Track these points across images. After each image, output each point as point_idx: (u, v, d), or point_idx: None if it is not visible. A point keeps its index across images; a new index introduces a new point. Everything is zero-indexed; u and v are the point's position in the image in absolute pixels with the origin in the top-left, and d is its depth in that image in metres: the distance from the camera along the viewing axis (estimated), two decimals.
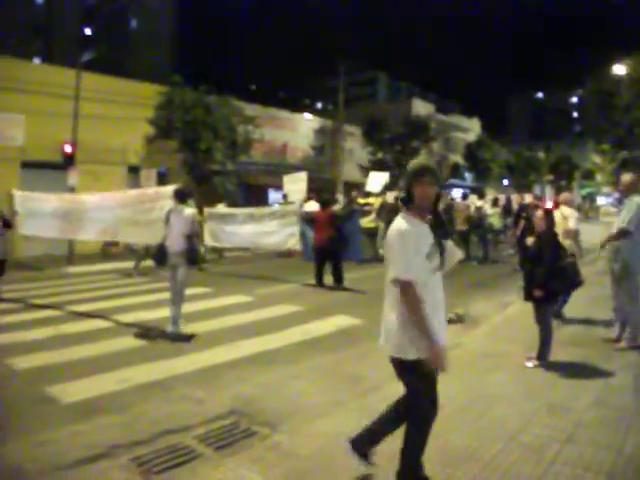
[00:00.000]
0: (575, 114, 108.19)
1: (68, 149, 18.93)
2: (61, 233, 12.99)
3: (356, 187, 27.23)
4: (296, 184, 20.35)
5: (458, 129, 52.86)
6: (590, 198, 64.19)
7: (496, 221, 19.42)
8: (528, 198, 27.36)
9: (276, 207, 17.89)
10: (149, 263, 12.53)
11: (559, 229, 8.52)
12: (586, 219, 32.69)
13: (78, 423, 4.98)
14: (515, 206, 22.14)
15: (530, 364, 6.37)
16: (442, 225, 3.60)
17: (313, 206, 16.62)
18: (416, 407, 3.57)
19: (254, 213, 15.85)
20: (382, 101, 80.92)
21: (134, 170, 22.31)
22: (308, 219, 13.67)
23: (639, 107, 23.27)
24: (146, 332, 8.49)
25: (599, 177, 66.20)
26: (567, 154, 69.31)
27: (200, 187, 21.81)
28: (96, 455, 4.32)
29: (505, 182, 53.09)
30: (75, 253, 18.26)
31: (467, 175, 49.89)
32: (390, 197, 20.11)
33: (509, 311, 9.49)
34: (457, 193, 21.69)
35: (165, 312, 8.77)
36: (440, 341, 3.39)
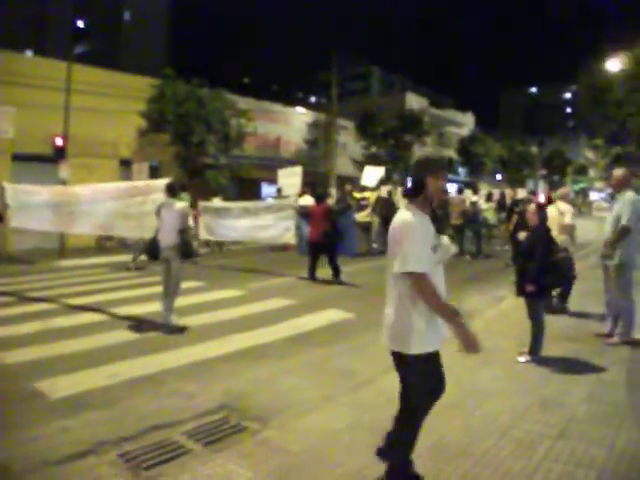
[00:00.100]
0: (569, 109, 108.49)
1: (59, 142, 18.79)
2: (54, 226, 12.93)
3: (349, 181, 27.15)
4: (291, 178, 20.28)
5: (452, 124, 52.86)
6: (583, 193, 64.40)
7: (491, 215, 19.48)
8: (521, 193, 27.43)
9: (272, 201, 17.90)
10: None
11: (555, 224, 8.57)
12: (579, 214, 32.78)
13: (66, 418, 4.92)
14: (508, 201, 22.15)
15: (522, 359, 6.36)
16: (438, 219, 3.58)
17: (307, 200, 16.60)
18: (409, 402, 3.55)
19: (249, 207, 15.88)
20: (376, 95, 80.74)
21: (126, 163, 22.16)
22: (303, 213, 13.66)
23: (632, 102, 23.26)
24: (139, 325, 8.45)
25: (592, 172, 66.58)
26: (560, 149, 69.62)
27: (192, 181, 21.73)
28: (84, 451, 4.27)
29: (498, 177, 53.16)
30: (69, 246, 18.15)
31: (460, 170, 49.90)
32: (384, 191, 20.10)
33: (502, 306, 9.49)
34: (451, 188, 21.68)
35: (157, 306, 8.73)
36: (446, 333, 3.45)
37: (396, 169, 33.98)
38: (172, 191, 8.77)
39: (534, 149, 62.44)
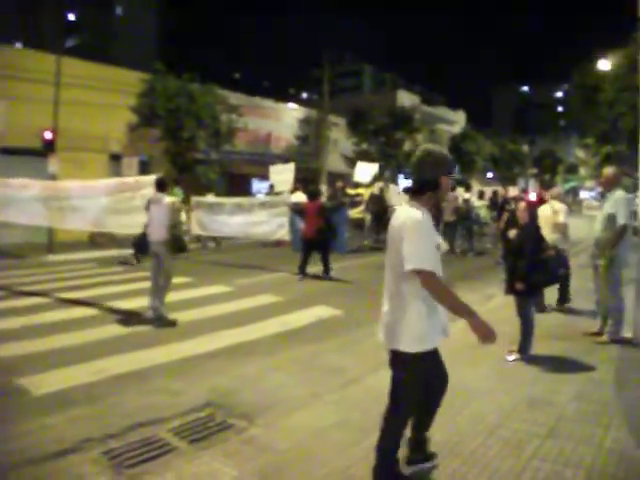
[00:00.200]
0: (560, 108, 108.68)
1: (48, 135, 18.60)
2: (45, 221, 12.83)
3: (341, 177, 27.13)
4: (283, 175, 20.23)
5: (443, 121, 52.88)
6: (573, 192, 64.67)
7: (484, 213, 19.53)
8: (512, 191, 27.49)
9: (265, 197, 17.88)
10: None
11: (550, 223, 8.59)
12: (570, 213, 32.88)
13: (50, 416, 4.85)
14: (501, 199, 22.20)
15: (511, 358, 6.34)
16: (434, 217, 3.55)
17: (299, 197, 16.60)
18: (399, 400, 3.53)
19: (243, 203, 15.92)
20: (367, 92, 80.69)
21: (116, 158, 22.01)
22: (296, 210, 13.66)
23: (623, 102, 23.31)
24: (127, 320, 8.39)
25: (582, 171, 66.79)
26: (551, 148, 69.88)
27: (182, 176, 21.63)
28: (67, 449, 4.20)
29: (489, 175, 53.27)
30: (59, 241, 17.93)
31: None
32: (376, 188, 20.09)
33: (491, 304, 9.47)
34: None
35: (145, 301, 8.68)
36: (446, 331, 3.51)
37: (388, 166, 33.96)
38: (161, 186, 8.76)
39: (525, 147, 62.65)
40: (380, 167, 28.33)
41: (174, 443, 4.31)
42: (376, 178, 22.58)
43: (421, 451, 3.81)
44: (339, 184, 22.25)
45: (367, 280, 12.13)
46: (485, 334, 3.26)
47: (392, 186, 21.56)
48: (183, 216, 13.79)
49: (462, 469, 3.85)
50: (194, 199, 17.07)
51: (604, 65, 26.06)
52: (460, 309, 3.29)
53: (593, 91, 26.97)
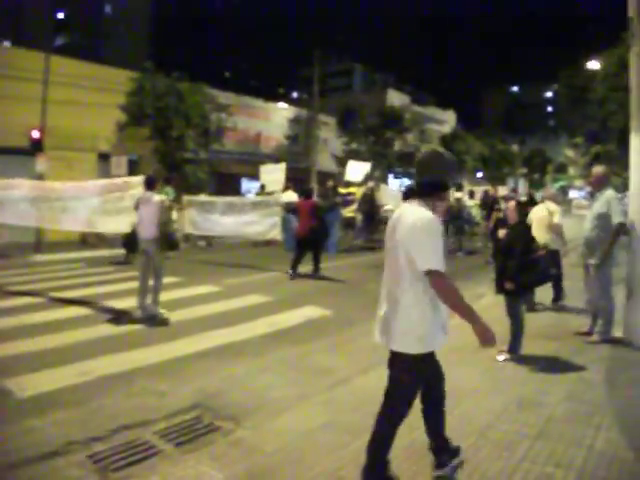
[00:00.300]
0: (549, 108, 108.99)
1: (36, 134, 18.47)
2: (37, 222, 12.74)
3: (331, 177, 27.11)
4: (273, 174, 20.21)
5: (433, 121, 52.98)
6: (563, 191, 64.88)
7: (475, 212, 19.55)
8: (502, 191, 27.53)
9: (256, 197, 17.85)
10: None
11: (544, 223, 8.61)
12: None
13: (34, 418, 4.76)
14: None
15: (501, 358, 6.31)
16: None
17: (291, 196, 16.57)
18: (393, 401, 3.50)
19: (235, 202, 15.91)
20: (357, 92, 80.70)
21: (105, 157, 21.83)
22: (289, 209, 13.66)
23: (613, 101, 23.36)
24: (114, 321, 8.32)
25: (572, 170, 67.06)
26: (541, 148, 70.13)
27: (171, 175, 21.51)
28: (52, 452, 4.13)
29: (479, 175, 53.37)
30: (49, 241, 17.81)
31: None
32: (367, 188, 20.08)
33: (481, 303, 9.42)
34: None
35: (133, 301, 8.64)
36: (447, 333, 3.50)
37: (379, 165, 33.98)
38: (150, 184, 8.79)
39: (515, 147, 62.84)
40: (374, 166, 28.40)
41: (160, 446, 4.25)
42: (368, 177, 22.58)
43: (445, 451, 3.76)
44: (330, 183, 22.23)
45: (358, 280, 12.10)
46: (486, 338, 3.31)
47: (383, 186, 21.58)
48: (174, 214, 13.70)
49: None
50: (186, 198, 16.98)
51: (593, 65, 26.14)
52: (466, 313, 3.31)
53: (582, 91, 27.08)
